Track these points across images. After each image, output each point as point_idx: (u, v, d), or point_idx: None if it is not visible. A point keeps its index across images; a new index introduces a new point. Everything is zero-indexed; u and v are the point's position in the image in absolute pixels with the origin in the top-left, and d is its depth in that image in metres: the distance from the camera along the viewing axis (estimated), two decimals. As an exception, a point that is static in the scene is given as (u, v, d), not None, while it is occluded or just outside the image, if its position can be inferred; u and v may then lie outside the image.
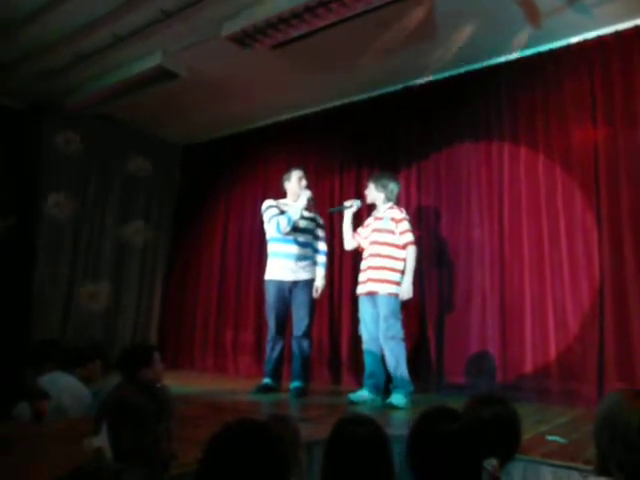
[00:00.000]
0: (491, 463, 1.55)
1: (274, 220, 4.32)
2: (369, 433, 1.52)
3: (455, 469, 1.45)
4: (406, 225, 4.04)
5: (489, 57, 4.77)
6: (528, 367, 4.21)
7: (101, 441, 1.52)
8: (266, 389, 4.28)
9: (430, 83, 5.16)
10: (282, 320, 4.39)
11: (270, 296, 4.38)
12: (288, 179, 4.55)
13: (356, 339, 4.55)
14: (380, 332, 3.89)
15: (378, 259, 3.98)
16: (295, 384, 4.26)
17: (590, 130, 4.23)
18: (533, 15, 4.10)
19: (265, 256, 4.53)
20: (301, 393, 4.19)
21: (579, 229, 4.17)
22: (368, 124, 5.49)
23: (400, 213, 4.09)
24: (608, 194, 4.07)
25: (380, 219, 4.11)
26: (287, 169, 4.69)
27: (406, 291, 3.92)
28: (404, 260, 3.98)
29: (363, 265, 4.12)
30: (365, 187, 4.35)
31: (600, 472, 1.18)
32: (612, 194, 4.05)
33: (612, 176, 4.07)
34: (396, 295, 3.92)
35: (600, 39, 4.29)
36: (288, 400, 4.10)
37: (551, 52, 4.51)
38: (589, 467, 1.90)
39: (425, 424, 1.53)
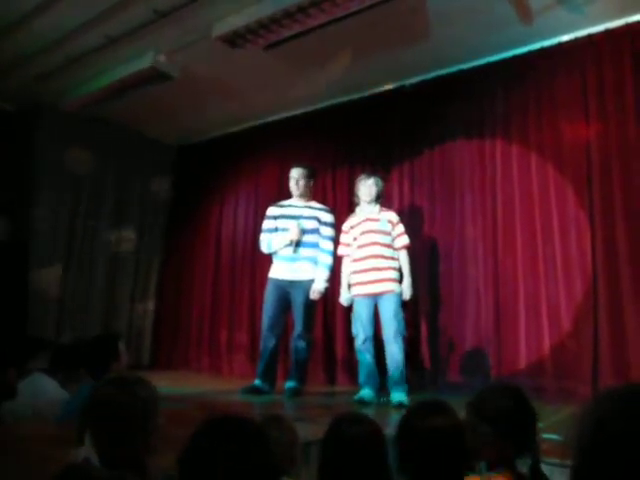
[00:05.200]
0: None
1: (262, 235, 4.50)
2: (366, 432, 1.50)
3: (450, 469, 1.41)
4: (402, 228, 4.18)
5: (481, 56, 4.77)
6: (522, 365, 4.22)
7: (87, 451, 1.38)
8: (252, 390, 4.18)
9: (422, 82, 5.15)
10: (275, 319, 4.32)
11: (267, 294, 4.39)
12: (290, 178, 4.53)
13: (351, 339, 4.54)
14: (389, 329, 3.94)
15: (382, 260, 4.04)
16: (289, 384, 4.25)
17: (582, 127, 4.24)
18: (524, 13, 4.12)
19: (259, 256, 4.52)
20: (295, 393, 4.18)
21: (572, 226, 4.18)
22: (360, 123, 5.48)
23: (396, 216, 4.23)
24: (601, 190, 4.08)
25: (376, 220, 4.14)
26: (280, 168, 4.66)
27: (408, 291, 4.05)
28: (398, 260, 4.10)
29: (362, 266, 4.07)
30: (360, 184, 4.23)
31: None
32: (605, 190, 4.06)
33: (605, 173, 4.08)
34: (400, 294, 4.03)
35: (591, 37, 4.31)
36: (283, 400, 4.08)
37: (542, 50, 4.52)
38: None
39: (415, 420, 1.49)
